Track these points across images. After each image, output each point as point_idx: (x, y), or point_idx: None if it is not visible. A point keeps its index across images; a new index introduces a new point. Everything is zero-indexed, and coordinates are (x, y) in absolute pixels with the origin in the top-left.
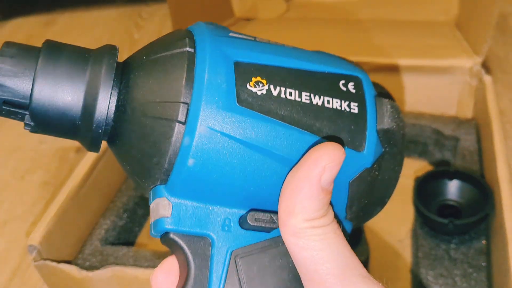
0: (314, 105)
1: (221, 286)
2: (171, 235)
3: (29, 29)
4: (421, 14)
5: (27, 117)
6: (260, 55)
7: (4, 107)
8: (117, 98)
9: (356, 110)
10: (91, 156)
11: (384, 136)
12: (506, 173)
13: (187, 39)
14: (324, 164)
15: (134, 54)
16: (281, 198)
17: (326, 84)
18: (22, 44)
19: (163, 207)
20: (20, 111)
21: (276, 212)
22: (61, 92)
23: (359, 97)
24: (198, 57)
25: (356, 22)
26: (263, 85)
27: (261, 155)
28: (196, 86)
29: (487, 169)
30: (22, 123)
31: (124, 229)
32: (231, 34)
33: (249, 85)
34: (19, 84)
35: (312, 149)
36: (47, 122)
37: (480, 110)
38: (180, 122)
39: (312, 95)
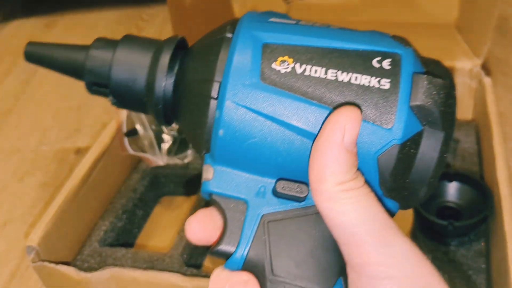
0: (340, 81)
1: (249, 244)
2: (213, 196)
3: (30, 30)
4: (421, 16)
5: (110, 95)
6: (291, 37)
7: (93, 87)
8: (174, 79)
9: (387, 86)
10: (90, 158)
11: (421, 113)
12: (505, 175)
13: (229, 26)
14: (344, 124)
15: (198, 40)
16: (310, 168)
17: (357, 61)
18: (108, 39)
19: (207, 172)
20: (104, 90)
21: (304, 183)
22: (131, 74)
23: (393, 74)
24: (232, 41)
25: (356, 24)
26: (289, 64)
27: (283, 128)
28: (226, 66)
29: (486, 171)
30: (18, 126)
31: (123, 231)
32: (271, 19)
33: (275, 64)
34: (102, 69)
35: (330, 115)
36: (123, 98)
37: (480, 112)
38: (213, 98)
39: (339, 72)
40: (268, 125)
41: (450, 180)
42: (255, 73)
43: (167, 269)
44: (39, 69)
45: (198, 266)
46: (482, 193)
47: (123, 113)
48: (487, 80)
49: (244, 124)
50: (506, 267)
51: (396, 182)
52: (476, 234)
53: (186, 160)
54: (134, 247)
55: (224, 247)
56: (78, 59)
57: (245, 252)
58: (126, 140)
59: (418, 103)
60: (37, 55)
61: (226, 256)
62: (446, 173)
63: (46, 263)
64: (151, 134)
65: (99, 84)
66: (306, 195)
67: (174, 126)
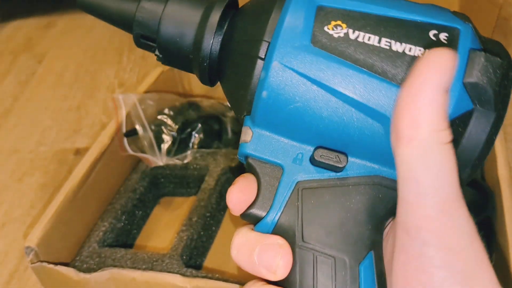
0: (393, 51)
1: (281, 209)
2: (250, 160)
3: (28, 31)
4: None
5: (156, 50)
6: (347, 1)
7: (141, 40)
8: (222, 38)
9: None
10: (89, 158)
11: (473, 91)
12: (506, 175)
13: None
14: (441, 63)
15: (247, 2)
16: (398, 115)
17: (413, 32)
18: None
19: (245, 134)
20: (151, 44)
21: (343, 153)
22: (179, 30)
23: (448, 47)
24: (286, 1)
25: None
26: (342, 29)
27: (329, 95)
28: (277, 26)
29: (487, 171)
30: (17, 127)
31: (122, 231)
32: None
33: (327, 27)
34: (151, 23)
35: (424, 54)
36: (170, 54)
37: None
38: (260, 58)
39: (393, 42)
40: (313, 90)
41: None
42: (307, 36)
43: (167, 270)
44: (38, 69)
45: (198, 267)
46: (483, 193)
47: (123, 113)
48: None
49: (289, 87)
50: (508, 267)
51: None
52: None
53: (185, 161)
54: (133, 248)
55: (256, 210)
56: (128, 9)
57: (277, 217)
58: (125, 140)
59: (472, 80)
60: (89, 2)
61: (257, 220)
62: None
63: (45, 264)
64: (150, 134)
65: (147, 37)
66: (344, 166)
67: (174, 126)
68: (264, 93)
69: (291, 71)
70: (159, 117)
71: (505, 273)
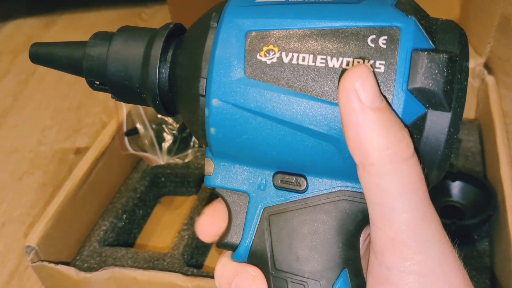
0: (330, 68)
1: (252, 237)
2: (217, 189)
3: (28, 30)
4: None
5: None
6: (277, 21)
7: (94, 85)
8: (169, 72)
9: (382, 69)
10: (90, 157)
11: (420, 95)
12: (509, 174)
13: (214, 13)
14: (352, 86)
15: (189, 28)
16: (349, 148)
17: (349, 42)
18: (104, 33)
19: (208, 166)
20: (104, 87)
21: (302, 175)
22: (125, 70)
23: (388, 53)
24: (216, 33)
25: None
26: (274, 53)
27: (274, 123)
28: (210, 61)
29: (489, 170)
30: (17, 126)
31: (123, 231)
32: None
33: (260, 55)
34: (98, 69)
35: (340, 82)
36: (122, 94)
37: (483, 111)
38: (201, 95)
39: (329, 58)
40: (257, 121)
41: (454, 180)
42: (240, 67)
43: (168, 269)
44: (38, 68)
45: (199, 266)
46: (485, 192)
47: (123, 112)
48: (490, 79)
49: (233, 121)
50: (510, 266)
51: None
52: (479, 234)
53: (186, 160)
54: (134, 247)
55: (229, 239)
56: (77, 57)
57: (249, 245)
58: (126, 139)
59: (417, 85)
60: (41, 55)
61: (233, 248)
62: (449, 173)
63: (45, 263)
64: (151, 133)
65: (99, 82)
66: (305, 188)
67: (176, 125)
68: (212, 130)
69: (231, 106)
70: (160, 116)
71: (507, 273)
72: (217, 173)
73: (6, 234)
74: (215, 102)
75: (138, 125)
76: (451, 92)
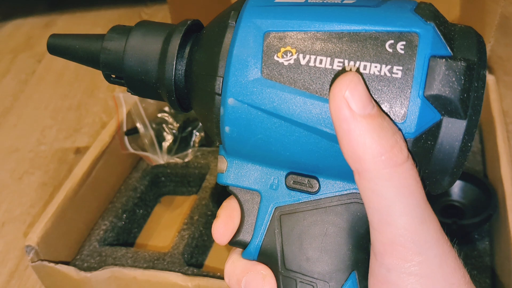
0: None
1: (263, 236)
2: (229, 187)
3: (28, 30)
4: None
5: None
6: (295, 22)
7: (111, 78)
8: (185, 69)
9: (399, 75)
10: (89, 157)
11: (437, 102)
12: (509, 173)
13: (233, 11)
14: (341, 95)
15: (207, 25)
16: (345, 156)
17: (367, 46)
18: (123, 27)
19: (221, 163)
20: (120, 80)
21: (314, 177)
22: (142, 65)
23: (406, 59)
24: (234, 32)
25: None
26: (292, 55)
27: (288, 124)
28: (227, 60)
29: (490, 169)
30: (17, 125)
31: (123, 230)
32: (277, 0)
33: (277, 56)
34: (115, 62)
35: (331, 91)
36: (139, 90)
37: (483, 110)
38: (217, 94)
39: (346, 61)
40: (272, 121)
41: None
42: (257, 68)
43: (168, 268)
44: (37, 68)
45: (199, 265)
46: (486, 191)
47: (123, 111)
48: (490, 78)
49: (248, 121)
50: (511, 266)
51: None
52: (480, 233)
53: (186, 159)
54: (134, 247)
55: (241, 237)
56: (95, 50)
57: (260, 244)
58: (126, 138)
59: (433, 93)
60: (59, 46)
61: (244, 245)
62: None
63: (45, 263)
64: (151, 132)
65: (115, 75)
66: (317, 189)
67: (175, 124)
68: (227, 128)
69: (247, 106)
70: (160, 115)
71: (508, 273)
72: (230, 171)
73: (6, 233)
74: (231, 101)
75: (138, 125)
76: (467, 100)
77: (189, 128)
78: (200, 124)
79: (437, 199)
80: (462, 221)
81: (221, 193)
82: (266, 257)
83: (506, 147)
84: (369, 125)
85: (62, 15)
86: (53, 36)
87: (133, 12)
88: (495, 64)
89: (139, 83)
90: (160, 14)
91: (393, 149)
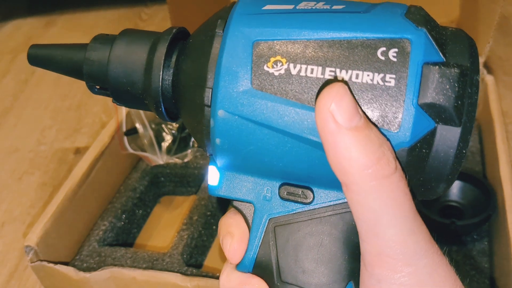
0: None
1: (257, 248)
2: (233, 202)
3: (28, 30)
4: None
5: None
6: (285, 31)
7: (94, 89)
8: (172, 79)
9: (392, 83)
10: (89, 157)
11: (431, 110)
12: (508, 173)
13: (220, 20)
14: (326, 108)
15: (192, 33)
16: (332, 168)
17: (359, 54)
18: (106, 36)
19: (212, 175)
20: (105, 91)
21: (308, 188)
22: (127, 75)
23: (399, 67)
24: (222, 42)
25: None
26: (282, 65)
27: (279, 135)
28: (216, 71)
29: (489, 169)
30: (17, 126)
31: (122, 231)
32: (265, 7)
33: (267, 66)
34: (99, 73)
35: (316, 103)
36: (124, 99)
37: (482, 111)
38: (207, 105)
39: (338, 70)
40: (264, 132)
41: None
42: (246, 79)
43: (167, 268)
44: (37, 68)
45: (198, 265)
46: (485, 192)
47: (123, 112)
48: (489, 79)
49: (239, 133)
50: (510, 266)
51: (409, 182)
52: (479, 233)
53: (186, 159)
54: (133, 247)
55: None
56: (77, 61)
57: (254, 256)
58: (125, 139)
59: (427, 101)
60: (40, 57)
61: None
62: None
63: (44, 263)
64: (151, 132)
65: (100, 87)
66: (312, 200)
67: (175, 124)
68: (218, 140)
69: (237, 117)
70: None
71: (507, 273)
72: (221, 182)
73: (5, 234)
74: (221, 113)
75: (138, 125)
76: (461, 107)
77: None
78: None
79: (436, 200)
80: (461, 221)
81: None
82: (261, 269)
83: (505, 148)
84: (355, 138)
85: (62, 15)
86: (33, 46)
87: (133, 12)
88: (494, 64)
89: (124, 94)
90: (160, 14)
91: (380, 161)
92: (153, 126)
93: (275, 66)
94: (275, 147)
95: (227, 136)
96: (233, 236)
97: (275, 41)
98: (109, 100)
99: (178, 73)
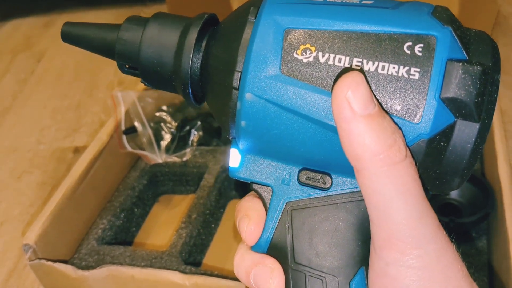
0: (366, 71)
1: (273, 230)
2: (253, 185)
3: (28, 30)
4: None
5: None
6: (315, 21)
7: (125, 69)
8: (201, 62)
9: (416, 77)
10: (88, 156)
11: (452, 105)
12: (506, 172)
13: (252, 8)
14: (343, 95)
15: (224, 19)
16: (343, 150)
17: (386, 47)
18: (139, 18)
19: (233, 158)
20: (135, 71)
21: (327, 173)
22: (158, 59)
23: (424, 62)
24: (254, 27)
25: None
26: (311, 52)
27: (304, 121)
28: (247, 55)
29: (488, 168)
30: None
31: (121, 229)
32: None
33: (296, 53)
34: (131, 53)
35: (333, 89)
36: (154, 81)
37: None
38: (235, 88)
39: (365, 61)
40: (289, 117)
41: None
42: (276, 64)
43: (166, 267)
44: (37, 68)
45: (197, 264)
46: (483, 190)
47: (122, 110)
48: None
49: (264, 116)
50: (508, 264)
51: (425, 173)
52: (477, 231)
53: (184, 158)
54: (132, 245)
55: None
56: (110, 40)
57: (270, 237)
58: (124, 137)
59: (449, 95)
60: (73, 34)
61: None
62: None
63: (43, 261)
64: (150, 131)
65: (130, 66)
66: (330, 186)
67: (174, 123)
68: (243, 123)
69: (264, 101)
70: (158, 114)
71: (505, 271)
72: (242, 165)
73: (5, 232)
74: (248, 96)
75: (136, 124)
76: (481, 103)
77: (187, 127)
78: (199, 123)
79: (434, 198)
80: (460, 219)
81: (219, 191)
82: (276, 250)
83: (504, 146)
84: (368, 125)
85: (62, 15)
86: (67, 24)
87: (133, 12)
88: None
89: (154, 74)
90: None
91: (392, 148)
92: (152, 124)
93: (304, 53)
94: (298, 132)
95: (252, 119)
96: (251, 219)
97: (305, 30)
98: (108, 99)
99: (207, 57)
